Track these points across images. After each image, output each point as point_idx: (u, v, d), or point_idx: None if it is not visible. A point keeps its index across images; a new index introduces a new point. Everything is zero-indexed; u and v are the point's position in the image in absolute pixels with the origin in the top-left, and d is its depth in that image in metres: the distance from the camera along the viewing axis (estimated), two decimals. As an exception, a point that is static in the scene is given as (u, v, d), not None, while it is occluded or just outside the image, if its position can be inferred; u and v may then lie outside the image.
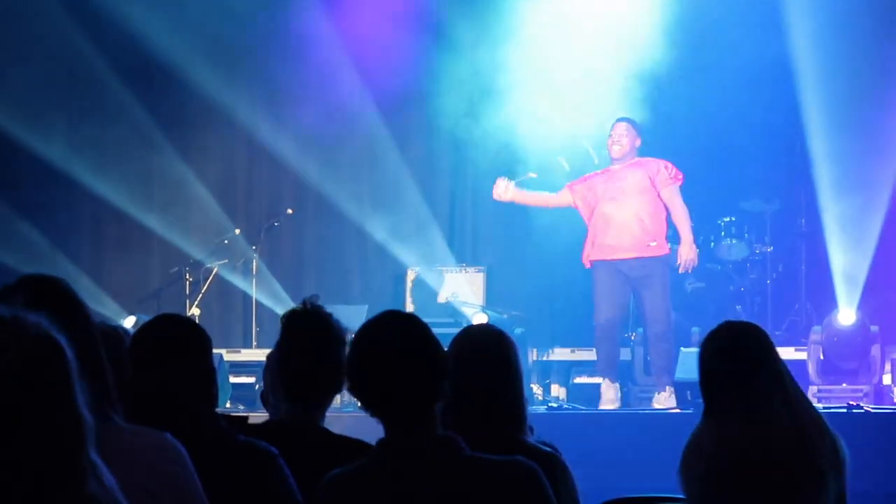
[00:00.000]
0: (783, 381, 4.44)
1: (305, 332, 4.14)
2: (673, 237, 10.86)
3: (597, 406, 10.68)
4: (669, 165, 10.74)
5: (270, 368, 4.26)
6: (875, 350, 11.47)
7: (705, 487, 4.34)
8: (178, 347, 3.73)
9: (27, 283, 3.47)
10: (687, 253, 10.76)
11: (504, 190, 11.08)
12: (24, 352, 2.49)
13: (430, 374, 3.33)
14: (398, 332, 3.35)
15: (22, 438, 2.47)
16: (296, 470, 3.64)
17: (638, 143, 10.78)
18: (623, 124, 10.81)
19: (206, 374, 3.77)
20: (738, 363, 4.41)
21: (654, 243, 10.59)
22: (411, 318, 3.42)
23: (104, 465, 2.60)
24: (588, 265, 10.77)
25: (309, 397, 4.15)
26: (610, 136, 10.80)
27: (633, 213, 10.60)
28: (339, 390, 4.21)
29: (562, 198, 10.98)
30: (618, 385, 10.77)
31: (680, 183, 10.74)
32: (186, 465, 3.26)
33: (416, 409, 3.33)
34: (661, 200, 10.67)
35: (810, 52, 12.21)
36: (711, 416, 4.42)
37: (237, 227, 13.28)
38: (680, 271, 10.88)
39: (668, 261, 10.72)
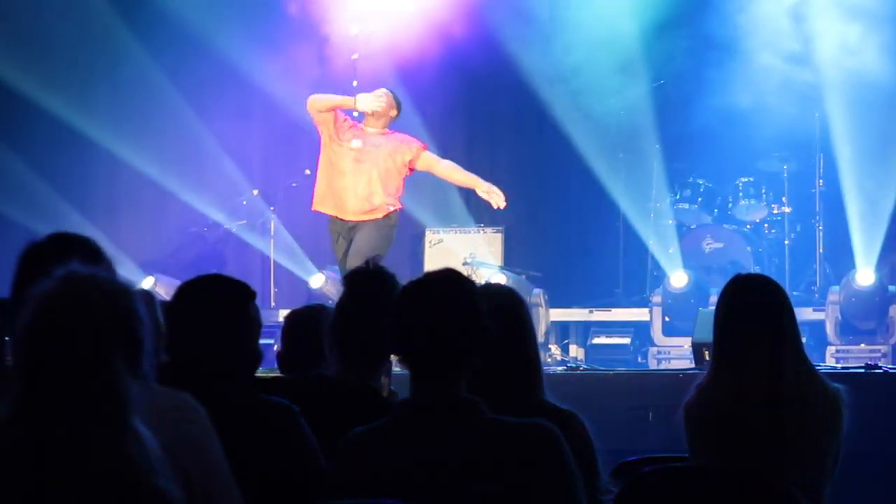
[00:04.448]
0: (795, 335, 4.42)
1: (366, 292, 4.13)
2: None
3: (613, 366, 10.66)
4: (414, 140, 10.42)
5: (328, 326, 4.23)
6: (893, 310, 11.45)
7: (709, 439, 4.33)
8: (229, 306, 3.75)
9: (57, 241, 3.48)
10: (484, 184, 10.32)
11: None
12: (100, 314, 2.54)
13: (471, 340, 3.34)
14: (450, 293, 3.37)
15: (91, 392, 2.51)
16: (338, 428, 3.62)
17: (394, 113, 10.46)
18: (382, 91, 10.49)
19: (249, 333, 3.79)
20: (754, 315, 4.39)
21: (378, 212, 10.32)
22: (466, 282, 3.43)
23: (147, 430, 2.63)
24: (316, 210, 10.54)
25: (363, 357, 4.14)
26: None
27: (367, 181, 10.30)
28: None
29: None
30: None
31: (425, 148, 10.39)
32: (204, 425, 3.27)
33: (448, 371, 3.33)
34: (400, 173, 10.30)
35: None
36: (721, 368, 4.40)
37: (255, 188, 13.27)
38: (495, 206, 10.34)
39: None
